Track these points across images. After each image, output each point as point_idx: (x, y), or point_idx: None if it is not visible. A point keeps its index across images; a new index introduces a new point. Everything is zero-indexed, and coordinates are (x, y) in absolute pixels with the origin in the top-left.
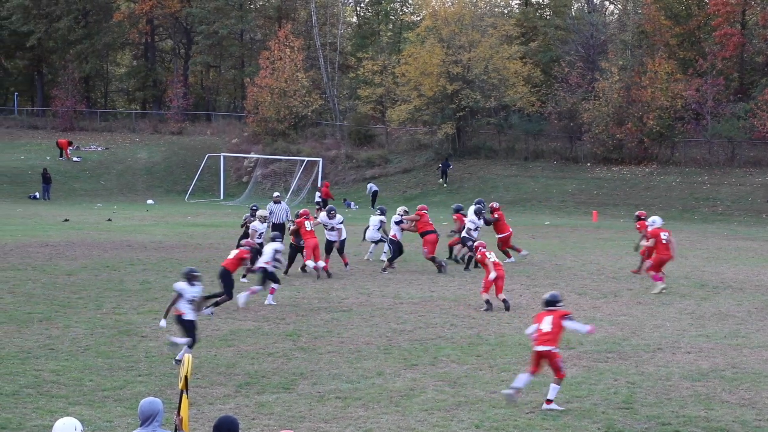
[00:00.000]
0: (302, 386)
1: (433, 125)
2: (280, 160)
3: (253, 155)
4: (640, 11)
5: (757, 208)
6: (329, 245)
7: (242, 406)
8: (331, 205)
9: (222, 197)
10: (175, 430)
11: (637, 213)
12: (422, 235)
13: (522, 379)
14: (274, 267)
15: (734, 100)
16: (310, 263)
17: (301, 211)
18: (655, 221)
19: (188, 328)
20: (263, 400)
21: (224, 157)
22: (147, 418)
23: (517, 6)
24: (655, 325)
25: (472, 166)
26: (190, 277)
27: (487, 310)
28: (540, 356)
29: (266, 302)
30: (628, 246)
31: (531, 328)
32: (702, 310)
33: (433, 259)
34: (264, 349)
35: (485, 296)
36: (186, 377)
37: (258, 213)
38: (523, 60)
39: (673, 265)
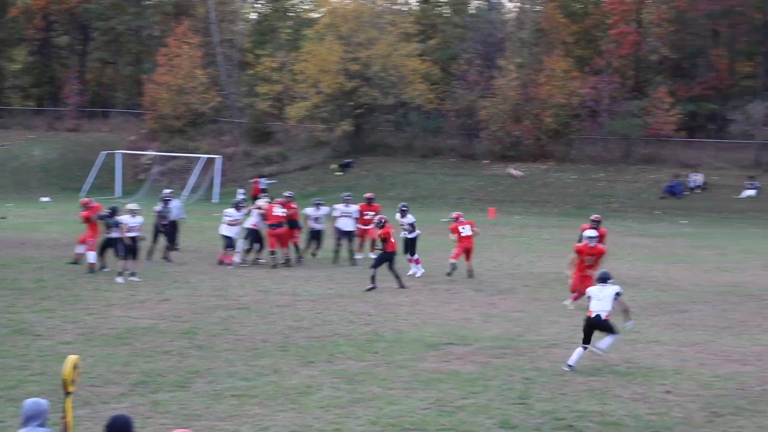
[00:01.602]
0: (198, 384)
1: (331, 123)
2: (178, 157)
3: (150, 152)
4: (537, 9)
5: (650, 204)
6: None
7: (137, 405)
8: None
9: (120, 194)
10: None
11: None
12: (269, 227)
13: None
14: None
15: (629, 98)
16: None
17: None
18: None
19: None
20: (158, 399)
21: (121, 154)
22: (29, 418)
23: (415, 4)
24: (550, 321)
25: (370, 163)
26: None
27: (449, 273)
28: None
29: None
30: (525, 243)
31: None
32: None
33: (271, 252)
34: (160, 347)
35: (453, 261)
36: (65, 379)
37: (127, 207)
38: (422, 57)
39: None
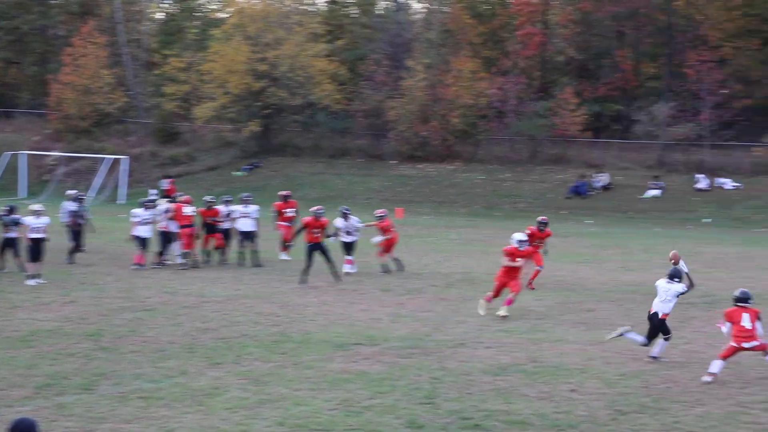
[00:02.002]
0: (104, 387)
1: (239, 123)
2: (83, 158)
3: (55, 153)
4: (445, 10)
5: (557, 204)
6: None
7: (42, 408)
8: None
9: (24, 195)
10: None
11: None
12: (180, 228)
13: (718, 365)
14: None
15: (536, 99)
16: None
17: (184, 197)
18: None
19: None
20: (63, 402)
21: (25, 155)
22: None
23: (323, 4)
24: (457, 320)
25: (278, 163)
26: None
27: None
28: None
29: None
30: (433, 243)
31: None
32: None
33: (184, 254)
34: (65, 349)
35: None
36: None
37: (30, 208)
38: (330, 58)
39: (475, 261)
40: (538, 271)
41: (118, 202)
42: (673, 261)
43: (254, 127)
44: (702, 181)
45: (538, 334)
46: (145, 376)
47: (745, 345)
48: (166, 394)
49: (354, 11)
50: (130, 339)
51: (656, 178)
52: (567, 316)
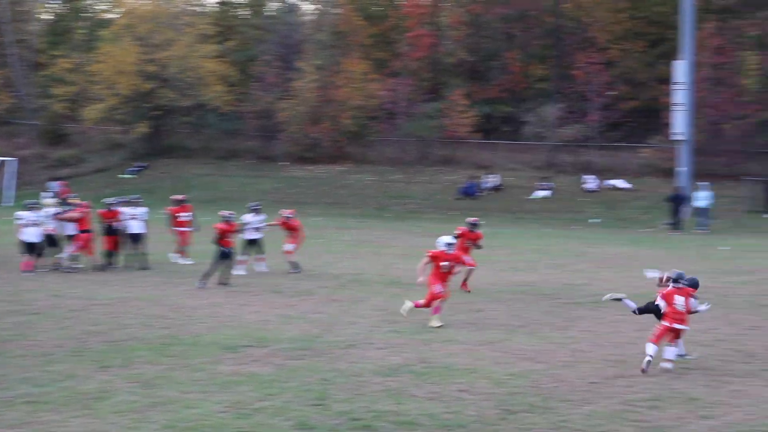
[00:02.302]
0: None
1: (128, 124)
2: None
3: None
4: (336, 11)
5: (447, 205)
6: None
7: None
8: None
9: None
10: None
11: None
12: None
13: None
14: None
15: (426, 100)
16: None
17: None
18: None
19: None
20: None
21: None
22: None
23: (213, 5)
24: (348, 321)
25: (168, 165)
26: None
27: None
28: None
29: None
30: (324, 244)
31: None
32: (394, 306)
33: (75, 257)
34: None
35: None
36: None
37: None
38: (220, 59)
39: (366, 262)
40: (470, 272)
41: (4, 204)
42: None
43: (143, 128)
44: (590, 182)
45: (428, 334)
46: (31, 380)
47: (677, 326)
48: (54, 398)
49: (244, 12)
50: (16, 343)
51: (545, 179)
52: (457, 317)
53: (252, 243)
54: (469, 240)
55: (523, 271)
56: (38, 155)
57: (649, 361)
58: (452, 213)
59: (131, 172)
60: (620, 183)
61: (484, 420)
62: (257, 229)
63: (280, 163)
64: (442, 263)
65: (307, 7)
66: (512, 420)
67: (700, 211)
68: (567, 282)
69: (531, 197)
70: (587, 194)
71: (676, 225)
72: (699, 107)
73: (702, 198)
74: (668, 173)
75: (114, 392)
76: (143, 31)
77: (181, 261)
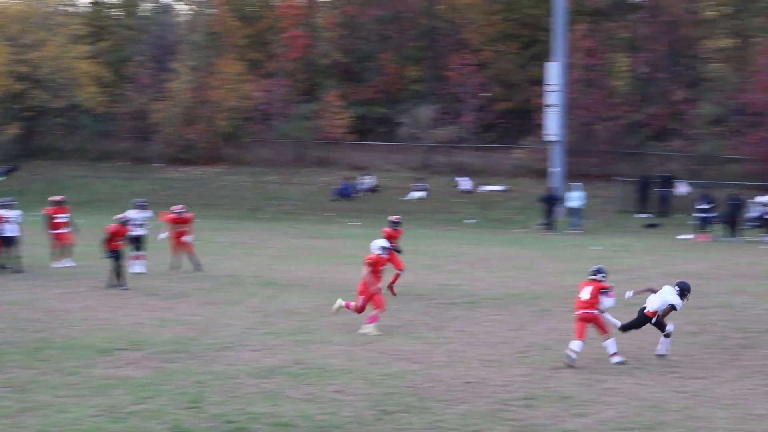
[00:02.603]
0: None
1: None
2: None
3: None
4: (210, 12)
5: (322, 206)
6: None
7: None
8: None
9: None
10: None
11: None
12: None
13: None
14: None
15: (302, 101)
16: None
17: None
18: None
19: None
20: None
21: None
22: None
23: (86, 5)
24: (223, 324)
25: (40, 167)
26: None
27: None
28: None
29: None
30: (199, 246)
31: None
32: (270, 308)
33: None
34: None
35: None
36: None
37: None
38: (93, 59)
39: (242, 264)
40: (398, 275)
41: None
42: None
43: (15, 129)
44: (465, 183)
45: (303, 335)
46: None
47: (579, 312)
48: None
49: (118, 13)
50: None
51: (420, 180)
52: (332, 318)
53: (134, 240)
54: (394, 239)
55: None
56: None
57: (569, 356)
58: (328, 214)
59: (4, 173)
60: (491, 187)
61: (360, 420)
62: (141, 225)
63: (154, 165)
64: (380, 267)
65: (182, 8)
66: (388, 420)
67: (573, 212)
68: (442, 282)
69: (406, 198)
70: (462, 195)
71: (549, 225)
72: (571, 108)
73: (575, 198)
74: (542, 174)
75: None
76: (14, 32)
77: (61, 264)
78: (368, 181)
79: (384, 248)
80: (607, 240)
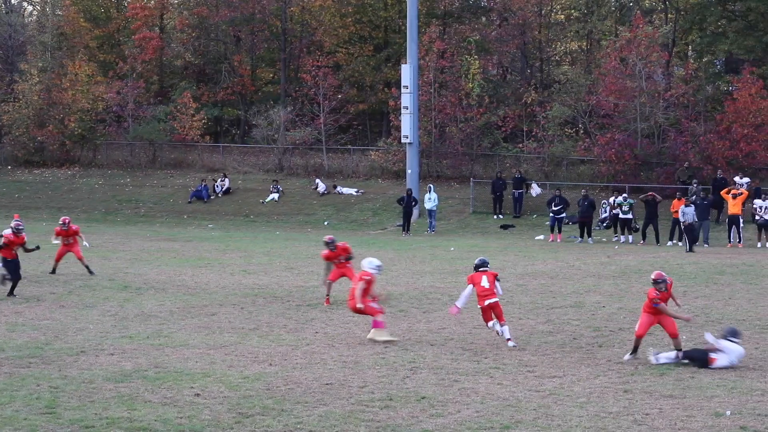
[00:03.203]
0: None
1: None
2: None
3: None
4: (59, 13)
5: (178, 209)
6: None
7: None
8: None
9: None
10: None
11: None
12: None
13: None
14: None
15: (155, 103)
16: None
17: None
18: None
19: None
20: None
21: None
22: None
23: None
24: (78, 328)
25: None
26: None
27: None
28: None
29: None
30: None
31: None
32: (125, 312)
33: None
34: None
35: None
36: None
37: None
38: None
39: (96, 267)
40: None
41: None
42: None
43: None
44: (321, 185)
45: (160, 339)
46: None
47: (488, 302)
48: None
49: None
50: None
51: (276, 181)
52: (189, 321)
53: None
54: (344, 256)
55: (255, 273)
56: None
57: (497, 331)
58: (184, 217)
59: None
60: (348, 190)
61: (219, 424)
62: None
63: (4, 167)
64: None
65: (29, 9)
66: (247, 423)
67: (428, 213)
68: (299, 284)
69: (263, 201)
70: (319, 197)
71: (406, 227)
72: (425, 110)
73: (429, 200)
74: (398, 175)
75: None
76: None
77: None
78: (224, 183)
79: (379, 267)
80: (462, 241)
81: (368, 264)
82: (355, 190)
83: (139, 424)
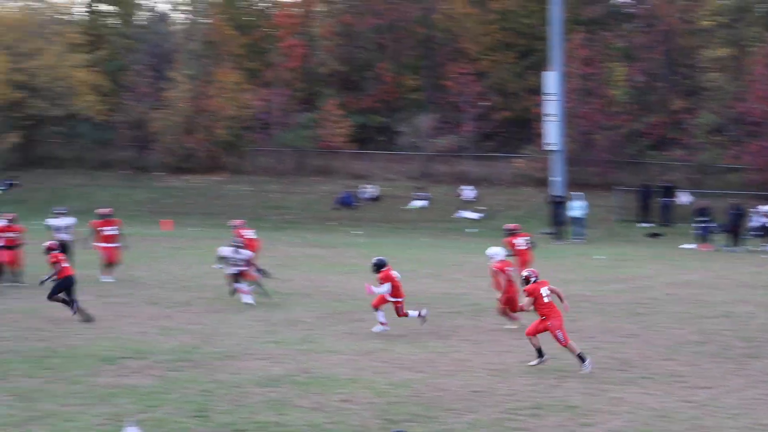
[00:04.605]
0: None
1: None
2: None
3: None
4: (206, 21)
5: (323, 215)
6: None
7: None
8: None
9: None
10: None
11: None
12: None
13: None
14: None
15: (300, 110)
16: None
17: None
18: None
19: None
20: None
21: None
22: None
23: (83, 13)
24: (227, 332)
25: (41, 176)
26: None
27: None
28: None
29: None
30: (200, 255)
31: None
32: (273, 317)
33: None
34: None
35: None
36: None
37: None
38: (90, 68)
39: None
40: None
41: None
42: None
43: (14, 138)
44: (467, 192)
45: (308, 344)
46: None
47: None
48: None
49: (114, 21)
50: None
51: (420, 189)
52: (336, 327)
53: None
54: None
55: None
56: None
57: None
58: (330, 223)
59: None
60: (470, 214)
61: (367, 430)
62: (66, 232)
63: (154, 174)
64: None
65: (178, 17)
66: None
67: (576, 221)
68: (446, 291)
69: (407, 207)
70: (464, 204)
71: (557, 233)
72: (570, 117)
73: (576, 207)
74: (542, 183)
75: None
76: (10, 40)
77: (104, 279)
78: (370, 190)
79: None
80: (609, 249)
81: (493, 252)
82: (477, 215)
83: (288, 429)
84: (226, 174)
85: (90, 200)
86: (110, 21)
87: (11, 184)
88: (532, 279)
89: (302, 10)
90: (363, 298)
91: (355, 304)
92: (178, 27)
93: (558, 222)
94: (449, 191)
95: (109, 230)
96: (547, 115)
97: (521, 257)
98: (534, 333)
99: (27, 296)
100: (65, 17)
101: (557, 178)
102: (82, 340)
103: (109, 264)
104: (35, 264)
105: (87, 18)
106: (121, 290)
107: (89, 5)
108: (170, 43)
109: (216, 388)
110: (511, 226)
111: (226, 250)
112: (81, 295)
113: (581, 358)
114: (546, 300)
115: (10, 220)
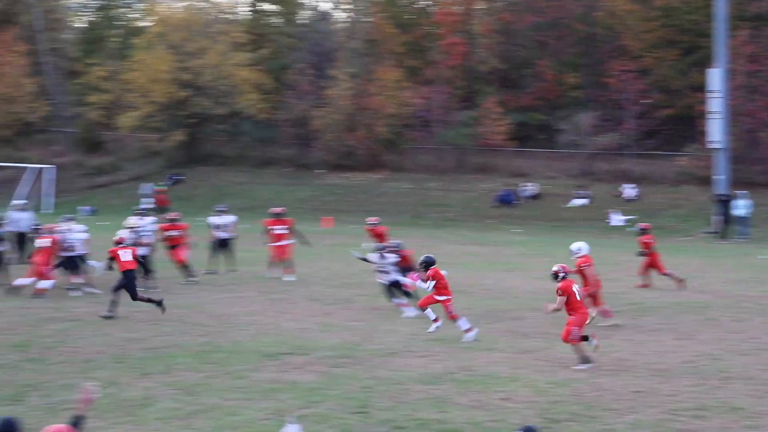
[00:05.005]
0: (33, 398)
1: (164, 132)
2: (6, 167)
3: None
4: (368, 20)
5: (484, 213)
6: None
7: None
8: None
9: None
10: None
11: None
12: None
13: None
14: None
15: (461, 108)
16: None
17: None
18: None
19: None
20: None
21: None
22: None
23: (245, 13)
24: (388, 330)
25: (204, 173)
26: None
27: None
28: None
29: None
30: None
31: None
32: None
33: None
34: None
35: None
36: None
37: None
38: (253, 67)
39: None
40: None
41: (43, 211)
42: None
43: (179, 136)
44: (629, 191)
45: (468, 342)
46: (73, 387)
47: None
48: (97, 404)
49: (277, 20)
50: (57, 350)
51: (581, 187)
52: (496, 325)
53: (222, 245)
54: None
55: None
56: (75, 163)
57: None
58: (489, 221)
59: (166, 183)
60: (618, 219)
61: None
62: (226, 230)
63: (316, 171)
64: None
65: (339, 16)
66: (556, 429)
67: (740, 220)
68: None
69: (568, 205)
70: (626, 202)
71: (721, 233)
72: (734, 115)
73: (741, 206)
74: (705, 181)
75: (156, 399)
76: (176, 39)
77: (273, 274)
78: (530, 188)
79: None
80: None
81: (578, 247)
82: (625, 219)
83: (449, 426)
84: (387, 171)
85: (252, 198)
86: (273, 20)
87: (176, 180)
88: (561, 275)
89: (462, 8)
90: (522, 297)
91: (514, 302)
92: (340, 26)
93: (723, 221)
94: (610, 189)
95: (279, 229)
96: (710, 112)
97: (652, 257)
98: (576, 341)
99: (192, 291)
100: (229, 17)
101: (721, 177)
102: (245, 335)
103: (280, 261)
104: (196, 260)
105: (250, 17)
106: (282, 287)
107: (253, 5)
108: (332, 42)
109: (377, 385)
110: (644, 225)
111: (373, 257)
112: (242, 291)
113: (583, 360)
114: (578, 297)
115: (172, 219)
